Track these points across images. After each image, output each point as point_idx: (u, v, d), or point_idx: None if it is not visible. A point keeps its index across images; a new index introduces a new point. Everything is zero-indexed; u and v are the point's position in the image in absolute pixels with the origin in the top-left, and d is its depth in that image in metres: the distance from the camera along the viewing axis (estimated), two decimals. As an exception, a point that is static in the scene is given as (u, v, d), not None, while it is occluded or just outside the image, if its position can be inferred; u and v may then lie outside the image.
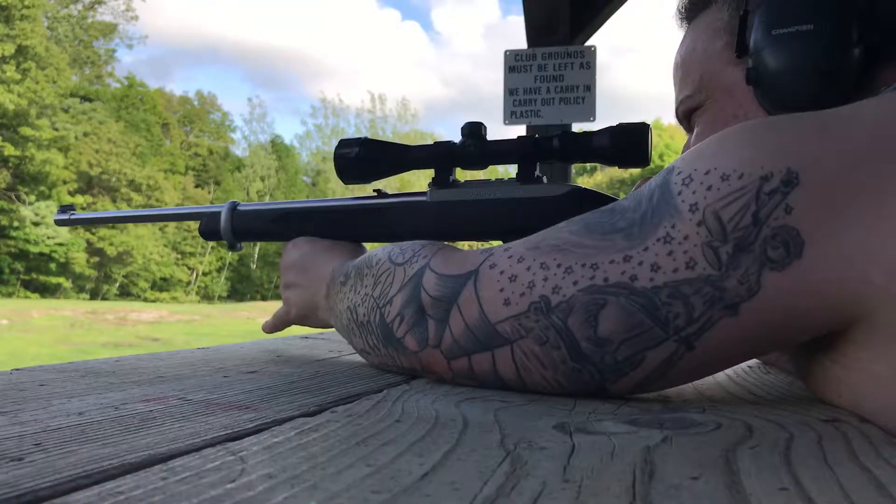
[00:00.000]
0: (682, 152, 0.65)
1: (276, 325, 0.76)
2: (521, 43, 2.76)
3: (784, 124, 0.41)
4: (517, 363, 0.45)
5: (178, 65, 67.45)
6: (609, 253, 0.42)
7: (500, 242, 0.70)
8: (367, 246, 0.71)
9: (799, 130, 0.40)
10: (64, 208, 0.86)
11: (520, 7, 2.77)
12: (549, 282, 0.44)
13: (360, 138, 0.68)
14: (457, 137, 0.66)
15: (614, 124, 0.62)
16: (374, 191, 0.72)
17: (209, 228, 0.77)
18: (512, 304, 0.45)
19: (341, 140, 0.68)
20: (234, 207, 0.76)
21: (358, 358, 0.71)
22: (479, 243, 0.71)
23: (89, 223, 0.87)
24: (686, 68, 0.62)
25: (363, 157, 0.67)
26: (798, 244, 0.37)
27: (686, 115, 0.63)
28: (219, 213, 0.76)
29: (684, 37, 0.64)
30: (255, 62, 70.76)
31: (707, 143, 0.43)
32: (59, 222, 0.85)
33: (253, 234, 0.76)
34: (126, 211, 0.88)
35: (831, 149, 0.38)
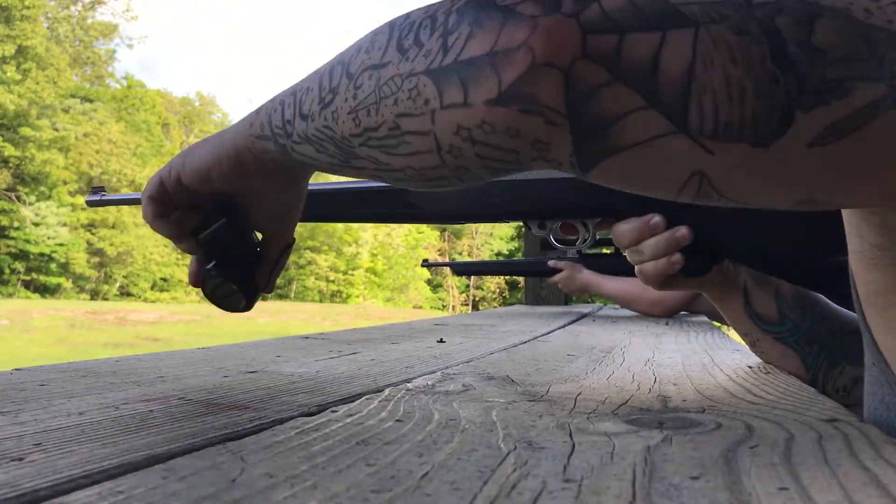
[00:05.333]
0: None
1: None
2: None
3: None
4: (697, 52, 0.33)
5: (168, 61, 67.41)
6: None
7: (518, 224, 0.70)
8: (387, 227, 0.69)
9: None
10: (95, 190, 0.91)
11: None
12: None
13: None
14: None
15: None
16: None
17: None
18: None
19: None
20: None
21: (358, 358, 0.71)
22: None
23: (119, 203, 0.91)
24: None
25: None
26: None
27: None
28: None
29: None
30: (250, 59, 70.75)
31: None
32: (90, 203, 0.90)
33: None
34: None
35: None
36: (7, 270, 24.70)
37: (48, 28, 27.65)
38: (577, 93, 0.33)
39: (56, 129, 26.15)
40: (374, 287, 33.34)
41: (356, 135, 0.40)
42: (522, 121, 0.34)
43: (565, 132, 0.34)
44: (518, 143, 0.35)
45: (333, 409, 0.41)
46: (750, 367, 0.69)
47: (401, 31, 0.38)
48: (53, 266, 25.63)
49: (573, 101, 0.33)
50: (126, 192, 0.93)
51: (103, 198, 0.89)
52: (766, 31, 0.33)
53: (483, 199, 0.66)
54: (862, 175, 0.35)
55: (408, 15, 0.39)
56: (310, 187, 0.73)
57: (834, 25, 0.33)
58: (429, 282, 31.76)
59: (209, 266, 0.53)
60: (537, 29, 0.33)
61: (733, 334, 0.92)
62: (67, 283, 26.35)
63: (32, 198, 25.29)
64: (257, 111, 0.48)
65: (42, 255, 25.09)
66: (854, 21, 0.33)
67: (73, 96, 28.13)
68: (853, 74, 0.33)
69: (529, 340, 0.98)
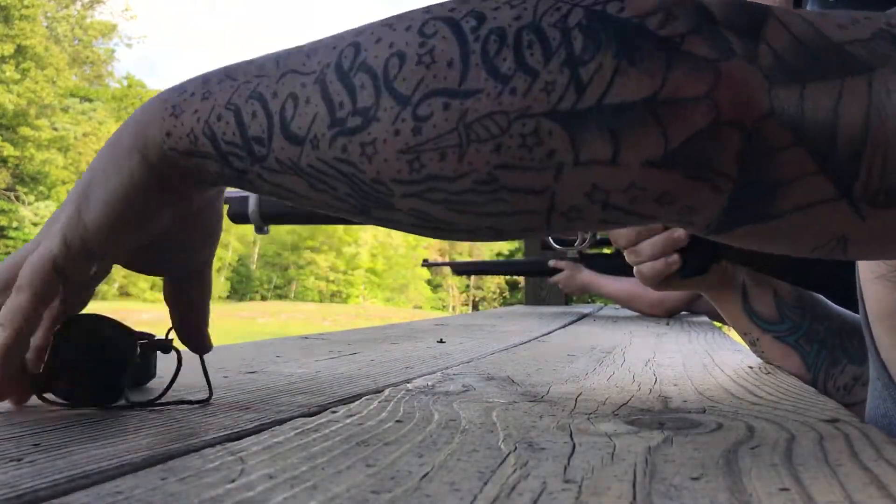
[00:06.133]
0: None
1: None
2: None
3: None
4: (872, 104, 0.27)
5: (167, 61, 67.40)
6: None
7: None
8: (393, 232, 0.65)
9: None
10: None
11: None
12: (873, 18, 0.29)
13: None
14: None
15: None
16: None
17: (238, 212, 0.81)
18: (848, 28, 0.28)
19: None
20: None
21: (358, 358, 0.71)
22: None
23: None
24: None
25: None
26: None
27: None
28: (247, 198, 0.79)
29: None
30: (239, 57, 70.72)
31: None
32: None
33: (279, 218, 0.80)
34: None
35: None
36: (6, 270, 24.64)
37: (47, 27, 27.63)
38: (755, 156, 0.27)
39: (55, 129, 26.14)
40: (373, 287, 33.34)
41: (407, 182, 0.29)
42: (685, 187, 0.28)
43: (725, 197, 0.28)
44: (666, 210, 0.29)
45: (333, 409, 0.41)
46: (751, 367, 0.69)
47: (485, 44, 0.28)
48: (53, 266, 25.57)
49: (747, 166, 0.28)
50: None
51: None
52: None
53: None
54: None
55: (480, 15, 0.28)
56: None
57: None
58: (429, 282, 31.76)
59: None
60: (721, 79, 0.27)
61: (734, 334, 0.92)
62: (67, 283, 26.30)
63: (31, 198, 25.28)
64: (172, 108, 0.33)
65: (41, 254, 25.04)
66: None
67: (72, 96, 28.11)
68: None
69: (529, 341, 0.98)
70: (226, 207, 0.82)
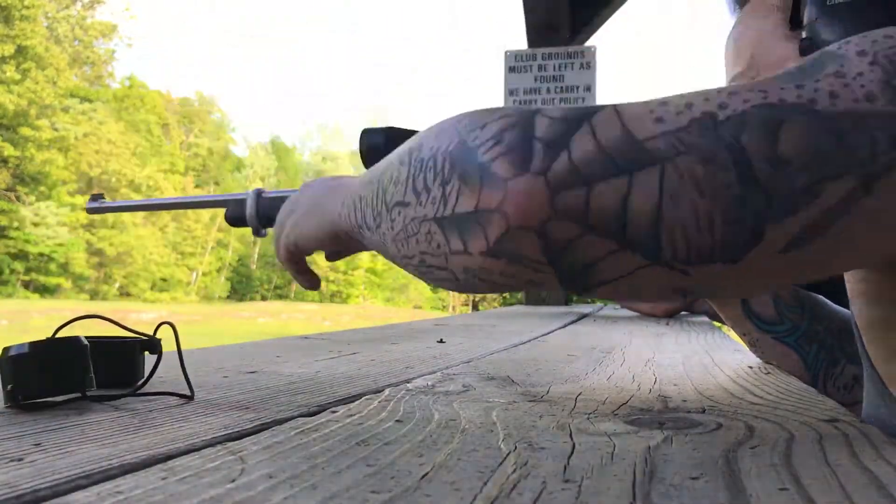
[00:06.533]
0: None
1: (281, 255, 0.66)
2: (505, 41, 2.77)
3: None
4: (664, 189, 0.34)
5: (168, 61, 67.35)
6: (778, 83, 0.36)
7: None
8: None
9: None
10: (95, 197, 0.89)
11: (509, 4, 2.78)
12: (710, 101, 0.35)
13: (383, 127, 0.70)
14: None
15: None
16: None
17: (235, 215, 0.80)
18: (667, 120, 0.35)
19: (366, 129, 0.71)
20: (259, 194, 0.79)
21: (358, 358, 0.71)
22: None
23: (119, 210, 0.90)
24: (738, 47, 0.62)
25: (388, 143, 0.68)
26: None
27: None
28: (244, 200, 0.79)
29: (737, 21, 0.64)
30: (242, 58, 70.75)
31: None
32: (90, 210, 0.89)
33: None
34: (153, 199, 0.92)
35: None
36: (6, 270, 24.69)
37: (47, 28, 27.64)
38: (553, 247, 0.35)
39: (55, 129, 26.15)
40: (374, 287, 33.33)
41: (399, 256, 0.44)
42: (514, 269, 0.36)
43: (552, 275, 0.36)
44: (515, 281, 0.38)
45: (333, 409, 0.41)
46: (750, 367, 0.69)
47: (415, 170, 0.40)
48: (53, 266, 25.63)
49: (552, 254, 0.35)
50: (123, 200, 0.93)
51: (103, 205, 0.88)
52: (732, 153, 0.34)
53: None
54: (839, 259, 0.36)
55: (420, 146, 0.41)
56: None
57: (799, 128, 0.35)
58: (428, 282, 31.69)
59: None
60: (507, 195, 0.35)
61: (734, 334, 0.92)
62: (67, 284, 26.34)
63: (32, 198, 25.29)
64: (342, 200, 0.53)
65: (41, 255, 25.08)
66: (819, 116, 0.35)
67: (72, 96, 28.12)
68: (822, 176, 0.34)
69: (529, 341, 0.98)
70: (223, 211, 0.82)
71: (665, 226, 0.34)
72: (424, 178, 0.39)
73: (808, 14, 0.53)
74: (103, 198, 0.89)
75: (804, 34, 0.53)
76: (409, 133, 0.69)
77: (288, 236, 0.62)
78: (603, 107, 0.37)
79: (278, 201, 0.76)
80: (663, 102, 0.36)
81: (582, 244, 0.34)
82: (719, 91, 0.36)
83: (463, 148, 0.38)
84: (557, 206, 0.34)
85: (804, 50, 0.53)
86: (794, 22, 0.55)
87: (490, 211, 0.35)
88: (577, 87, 2.61)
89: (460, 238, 0.37)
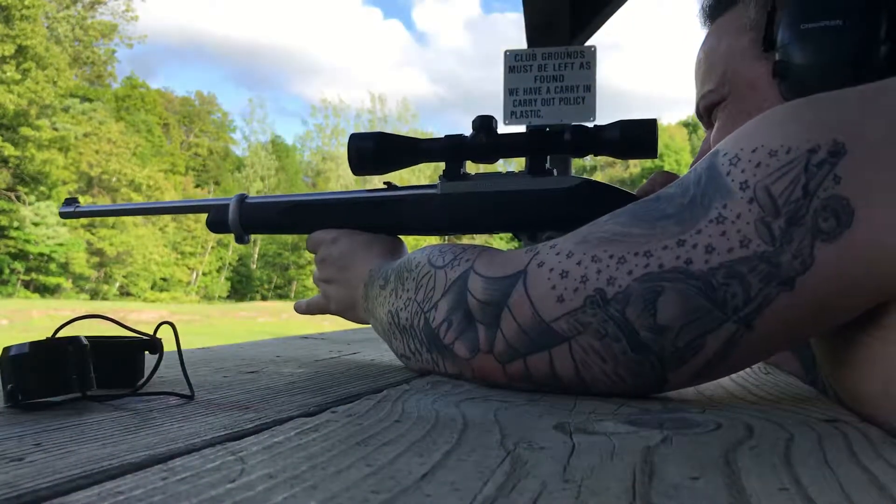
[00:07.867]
0: (701, 149, 0.65)
1: (309, 311, 0.75)
2: (511, 38, 2.77)
3: (826, 99, 0.41)
4: (576, 360, 0.45)
5: (161, 62, 67.21)
6: (661, 239, 0.42)
7: (510, 235, 0.71)
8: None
9: (842, 103, 0.40)
10: (69, 201, 0.85)
11: (504, 4, 2.78)
12: (602, 274, 0.43)
13: (373, 132, 0.68)
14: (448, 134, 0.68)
15: (622, 119, 0.64)
16: (384, 183, 0.72)
17: (217, 220, 0.76)
18: (566, 300, 0.44)
19: (355, 134, 0.69)
20: (242, 200, 0.76)
21: (358, 358, 0.71)
22: (518, 243, 0.71)
23: (94, 215, 0.86)
24: (710, 64, 0.62)
25: (378, 149, 0.68)
26: (848, 213, 0.37)
27: (707, 110, 0.64)
28: (227, 206, 0.76)
29: (708, 35, 0.64)
30: (239, 59, 70.62)
31: (750, 124, 0.43)
32: (63, 215, 0.84)
33: (261, 227, 0.76)
34: (131, 204, 0.87)
35: (876, 119, 0.38)
36: (7, 270, 24.68)
37: (48, 28, 27.63)
38: (516, 386, 0.49)
39: (56, 129, 26.14)
40: (373, 287, 33.15)
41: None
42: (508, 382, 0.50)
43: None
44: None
45: (333, 409, 0.41)
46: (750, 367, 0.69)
47: (404, 335, 0.57)
48: (53, 266, 25.62)
49: (511, 379, 0.49)
50: (102, 204, 0.90)
51: (77, 209, 0.83)
52: (620, 327, 0.43)
53: (469, 211, 0.67)
54: (755, 360, 0.44)
55: (398, 312, 0.58)
56: (301, 198, 0.74)
57: (674, 296, 0.41)
58: (429, 282, 31.67)
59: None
60: (473, 368, 0.50)
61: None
62: (67, 283, 26.33)
63: (32, 197, 25.28)
64: (365, 295, 0.66)
65: (42, 254, 25.07)
66: (693, 276, 0.41)
67: (72, 96, 28.12)
68: (702, 331, 0.41)
69: (529, 340, 0.98)
70: (205, 216, 0.78)
71: (587, 382, 0.45)
72: (413, 344, 0.55)
73: (781, 37, 0.53)
74: (78, 202, 0.84)
75: (777, 56, 0.54)
76: (399, 139, 0.68)
77: (324, 309, 0.74)
78: (518, 276, 0.47)
79: (261, 207, 0.75)
80: (563, 273, 0.45)
81: (532, 388, 0.48)
82: (610, 256, 0.43)
83: (427, 327, 0.53)
84: (508, 372, 0.48)
85: (777, 73, 0.53)
86: (767, 42, 0.55)
87: (466, 371, 0.51)
88: (577, 87, 2.61)
89: (450, 369, 0.53)
